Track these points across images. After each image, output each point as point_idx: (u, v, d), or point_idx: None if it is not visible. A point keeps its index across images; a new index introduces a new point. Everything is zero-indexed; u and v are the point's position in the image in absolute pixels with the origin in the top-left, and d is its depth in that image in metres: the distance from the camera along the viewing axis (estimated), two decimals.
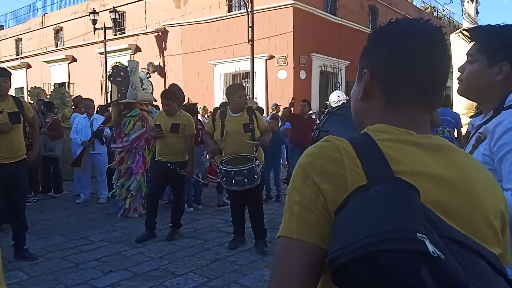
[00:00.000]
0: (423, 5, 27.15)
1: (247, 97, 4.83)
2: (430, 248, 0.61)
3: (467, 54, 1.60)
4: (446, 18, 29.92)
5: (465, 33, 1.65)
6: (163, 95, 5.37)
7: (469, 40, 1.63)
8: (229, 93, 4.86)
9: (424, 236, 0.62)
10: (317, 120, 8.60)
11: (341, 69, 17.95)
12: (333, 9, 17.81)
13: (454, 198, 0.80)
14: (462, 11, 11.23)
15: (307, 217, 0.79)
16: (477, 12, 11.25)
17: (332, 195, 0.77)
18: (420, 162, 0.81)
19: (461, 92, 1.66)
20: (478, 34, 1.58)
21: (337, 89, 16.19)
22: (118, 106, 6.60)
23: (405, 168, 0.78)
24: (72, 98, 10.95)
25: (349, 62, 17.86)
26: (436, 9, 28.77)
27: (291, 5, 15.31)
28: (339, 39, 16.88)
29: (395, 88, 0.88)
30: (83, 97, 9.22)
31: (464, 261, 0.67)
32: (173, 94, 5.49)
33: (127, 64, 7.26)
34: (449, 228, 0.72)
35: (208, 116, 11.38)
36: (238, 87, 5.02)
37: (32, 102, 10.42)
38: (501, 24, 1.57)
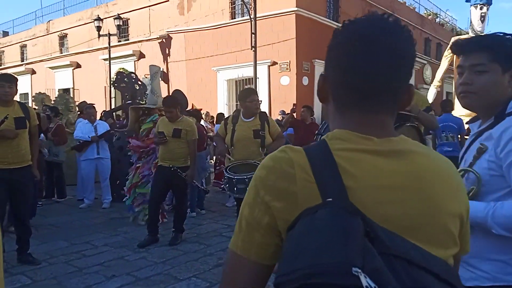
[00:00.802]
0: (425, 11, 27.21)
1: (258, 102, 4.79)
2: (364, 283, 0.61)
3: (473, 65, 1.56)
4: (449, 25, 29.96)
5: (460, 42, 1.63)
6: (165, 102, 5.40)
7: (459, 52, 1.62)
8: (241, 97, 4.81)
9: (359, 271, 0.62)
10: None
11: None
12: (335, 16, 17.88)
13: (410, 207, 0.81)
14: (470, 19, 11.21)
15: (251, 234, 0.82)
16: (483, 19, 11.17)
17: (283, 213, 0.79)
18: (376, 173, 0.80)
19: (476, 103, 1.60)
20: (487, 43, 1.57)
21: None
22: (136, 111, 6.59)
23: (358, 184, 0.78)
24: (77, 103, 11.02)
25: None
26: (438, 15, 28.83)
27: (293, 12, 15.37)
28: None
29: (339, 93, 0.89)
30: (88, 103, 9.29)
31: (409, 278, 0.69)
32: (174, 100, 5.53)
33: (146, 70, 7.29)
34: (397, 244, 0.73)
35: (212, 122, 11.44)
36: (250, 92, 4.96)
37: (37, 107, 10.50)
38: (500, 33, 1.58)
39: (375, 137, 0.84)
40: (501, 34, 1.57)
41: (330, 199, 0.74)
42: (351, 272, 0.62)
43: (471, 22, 11.38)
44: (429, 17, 26.97)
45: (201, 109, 9.53)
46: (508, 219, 1.43)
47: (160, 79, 19.79)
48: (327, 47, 0.92)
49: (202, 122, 8.83)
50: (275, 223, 0.79)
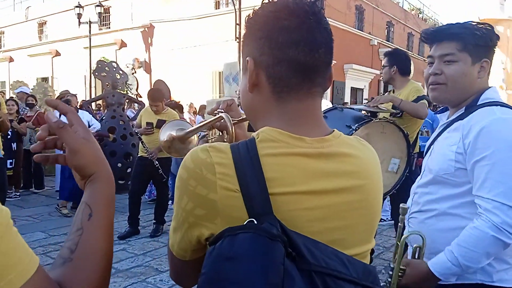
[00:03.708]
0: (408, 6, 27.42)
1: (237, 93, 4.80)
2: None
3: (442, 55, 1.54)
4: (432, 20, 30.30)
5: (429, 33, 1.61)
6: (151, 96, 5.30)
7: (429, 42, 1.60)
8: None
9: None
10: None
11: None
12: None
13: (341, 210, 0.82)
14: None
15: (181, 237, 0.83)
16: None
17: (205, 221, 0.78)
18: (306, 178, 0.79)
19: (446, 95, 1.57)
20: (456, 31, 1.54)
21: None
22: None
23: (286, 190, 0.77)
24: (60, 92, 10.80)
25: (335, 62, 17.97)
26: (421, 11, 29.11)
27: None
28: None
29: (279, 72, 0.82)
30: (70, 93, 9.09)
31: None
32: (160, 94, 5.46)
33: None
34: (317, 256, 0.74)
35: (194, 113, 11.35)
36: None
37: (14, 96, 10.25)
38: (472, 22, 1.55)
39: (306, 137, 0.82)
40: (474, 23, 1.54)
41: (252, 220, 0.73)
42: None
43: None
44: (412, 12, 27.21)
45: (179, 102, 9.38)
46: (479, 249, 1.38)
47: (142, 69, 19.45)
48: (250, 28, 0.87)
49: (185, 115, 8.76)
50: (201, 229, 0.79)
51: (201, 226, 0.78)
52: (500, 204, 1.34)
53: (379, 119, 3.20)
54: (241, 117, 1.22)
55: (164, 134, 1.38)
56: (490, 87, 1.56)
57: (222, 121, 1.15)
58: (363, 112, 3.43)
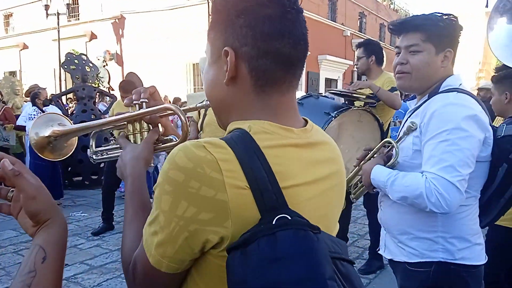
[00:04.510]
0: None
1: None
2: None
3: (408, 46, 1.62)
4: (403, 11, 30.72)
5: (395, 24, 1.69)
6: (123, 88, 5.22)
7: (397, 33, 1.68)
8: None
9: None
10: None
11: None
12: None
13: (327, 195, 0.85)
14: None
15: (177, 250, 0.73)
16: None
17: (213, 225, 0.70)
18: (303, 170, 0.79)
19: (410, 83, 1.66)
20: (420, 23, 1.61)
21: None
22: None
23: (292, 183, 0.75)
24: (30, 86, 10.49)
25: (309, 53, 18.01)
26: (393, 1, 29.45)
27: None
28: None
29: (263, 65, 0.78)
30: (39, 87, 8.83)
31: (339, 273, 0.73)
32: (132, 85, 5.37)
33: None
34: (329, 243, 0.75)
35: None
36: None
37: None
38: (437, 13, 1.62)
39: (294, 128, 0.82)
40: (439, 14, 1.61)
41: (286, 216, 0.68)
42: None
43: None
44: (384, 2, 27.50)
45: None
46: (405, 189, 1.52)
47: (114, 61, 19.02)
48: (225, 14, 0.81)
49: None
50: (203, 238, 0.71)
51: (207, 232, 0.70)
52: (439, 177, 1.45)
53: (357, 107, 3.24)
54: (188, 107, 1.14)
55: (42, 129, 1.16)
56: (452, 75, 1.64)
57: (168, 112, 1.04)
58: (341, 100, 3.47)
